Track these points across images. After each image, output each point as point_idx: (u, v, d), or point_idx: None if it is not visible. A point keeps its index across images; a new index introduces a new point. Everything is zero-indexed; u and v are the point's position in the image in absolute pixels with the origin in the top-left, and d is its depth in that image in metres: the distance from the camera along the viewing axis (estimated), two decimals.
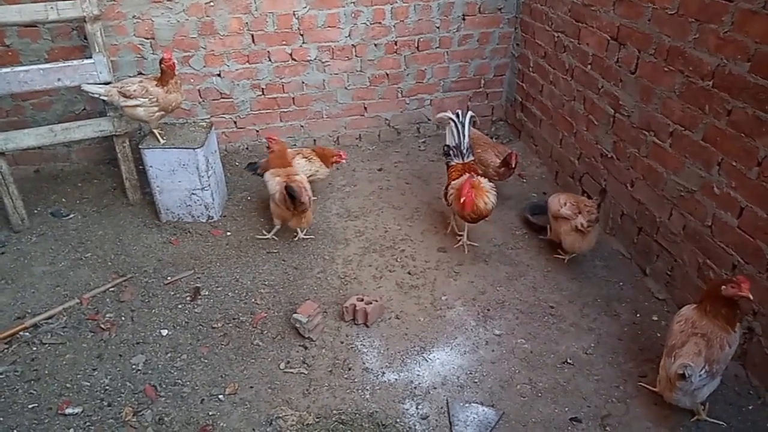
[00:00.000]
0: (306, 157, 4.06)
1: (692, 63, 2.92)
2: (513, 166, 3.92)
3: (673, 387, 2.43)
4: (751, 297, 2.36)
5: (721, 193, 2.84)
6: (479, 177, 3.57)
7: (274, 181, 3.63)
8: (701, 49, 2.85)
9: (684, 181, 3.08)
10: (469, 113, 3.79)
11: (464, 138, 3.74)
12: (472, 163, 3.78)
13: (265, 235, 3.81)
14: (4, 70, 3.59)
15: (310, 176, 3.97)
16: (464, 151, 3.76)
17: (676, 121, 3.09)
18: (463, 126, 3.74)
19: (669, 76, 3.10)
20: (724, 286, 2.41)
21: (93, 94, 3.67)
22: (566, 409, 2.65)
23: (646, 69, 3.29)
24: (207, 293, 3.35)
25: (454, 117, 3.75)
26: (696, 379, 2.36)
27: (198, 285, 3.40)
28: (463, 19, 4.75)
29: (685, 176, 3.08)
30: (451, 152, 3.81)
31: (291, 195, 3.41)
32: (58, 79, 3.72)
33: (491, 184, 3.56)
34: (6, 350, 2.95)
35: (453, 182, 3.66)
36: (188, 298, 3.30)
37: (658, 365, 2.82)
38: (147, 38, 4.28)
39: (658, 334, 3.05)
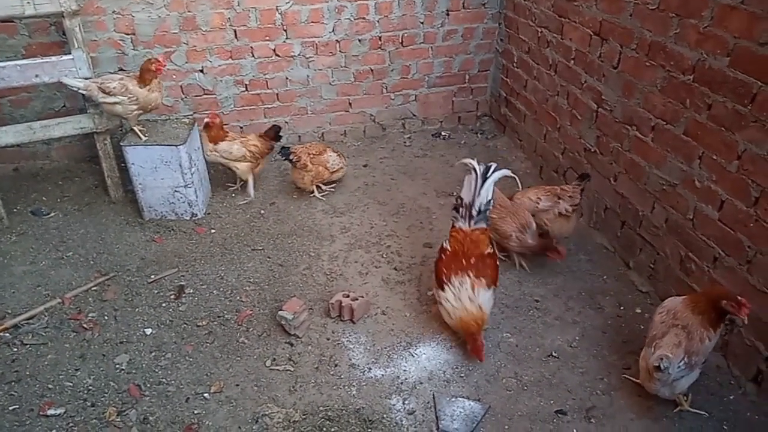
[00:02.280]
0: (336, 152, 4.22)
1: (673, 58, 2.95)
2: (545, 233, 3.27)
3: (652, 377, 2.46)
4: (745, 322, 2.38)
5: (702, 186, 2.88)
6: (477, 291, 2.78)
7: (236, 145, 4.03)
8: (682, 43, 2.88)
9: (666, 175, 3.12)
10: (504, 171, 3.03)
11: (479, 197, 2.94)
12: (481, 232, 2.96)
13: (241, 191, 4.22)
14: None
15: (336, 171, 4.21)
16: (474, 214, 2.95)
17: (658, 116, 3.12)
18: (484, 181, 2.95)
19: (651, 71, 3.13)
20: (725, 301, 2.39)
21: (72, 87, 3.61)
22: (551, 401, 2.68)
23: (628, 64, 3.31)
24: (191, 291, 3.32)
25: (476, 166, 2.99)
26: (673, 370, 2.38)
27: (182, 283, 3.37)
28: (447, 15, 4.75)
29: (667, 170, 3.11)
30: (459, 209, 3.02)
31: (285, 153, 4.01)
32: (36, 76, 3.65)
33: (486, 298, 2.82)
34: None
35: (445, 266, 2.89)
36: (172, 297, 3.27)
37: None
38: (127, 34, 4.22)
39: (642, 327, 3.08)
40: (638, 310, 3.20)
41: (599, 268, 3.52)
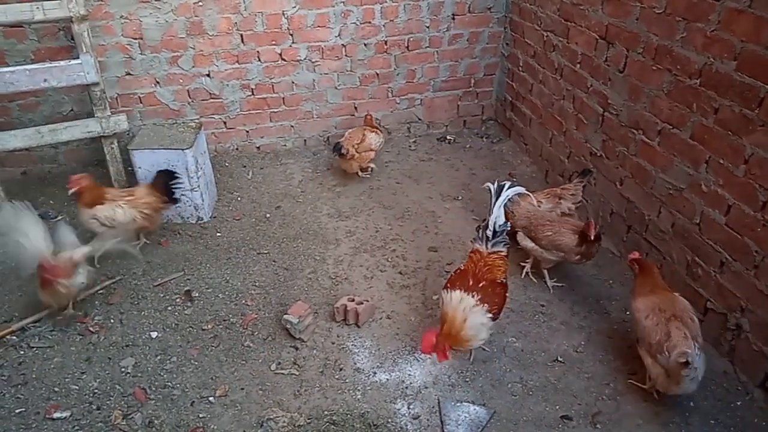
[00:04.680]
0: (374, 131, 4.45)
1: (680, 62, 2.94)
2: (593, 237, 3.07)
3: (680, 378, 2.42)
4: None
5: (708, 190, 2.86)
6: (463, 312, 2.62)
7: (119, 209, 3.41)
8: (688, 47, 2.87)
9: (672, 179, 3.10)
10: (518, 188, 2.98)
11: (492, 215, 2.87)
12: (499, 257, 2.85)
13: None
14: None
15: (380, 146, 4.50)
16: (490, 236, 2.84)
17: (665, 120, 3.11)
18: (497, 197, 2.89)
19: (657, 75, 3.12)
20: (639, 260, 2.78)
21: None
22: (557, 407, 2.66)
23: (634, 68, 3.31)
24: (197, 295, 3.33)
25: (492, 187, 2.95)
26: (698, 361, 2.40)
27: (188, 288, 3.37)
28: (453, 19, 4.76)
29: (673, 174, 3.10)
30: (479, 230, 2.94)
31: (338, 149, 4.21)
32: (45, 80, 3.69)
33: (480, 319, 2.64)
34: None
35: (451, 281, 2.77)
36: (179, 300, 3.28)
37: None
38: (135, 38, 4.25)
39: None
40: None
41: (605, 272, 3.50)
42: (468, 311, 2.62)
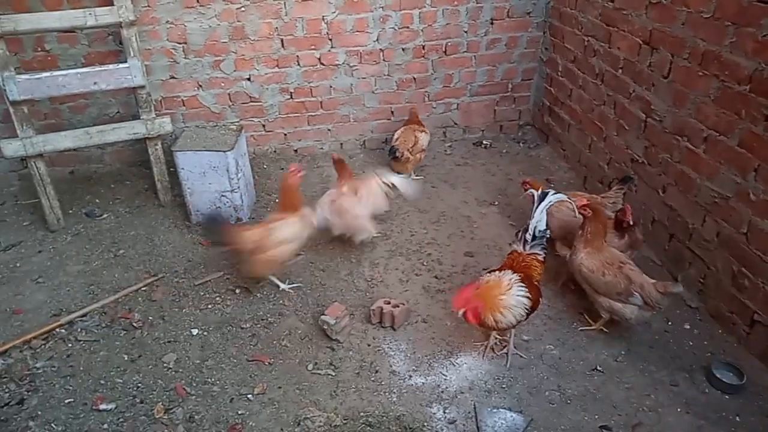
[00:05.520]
0: (423, 131, 4.52)
1: (728, 67, 2.87)
2: (628, 223, 3.07)
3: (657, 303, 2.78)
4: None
5: (757, 199, 2.78)
6: (509, 282, 2.70)
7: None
8: (738, 53, 2.80)
9: (718, 188, 3.03)
10: (560, 195, 2.94)
11: (533, 219, 2.88)
12: (535, 258, 2.88)
13: None
14: (44, 74, 3.70)
15: (428, 145, 4.58)
16: (528, 239, 2.89)
17: (711, 127, 3.04)
18: (540, 202, 2.90)
19: (703, 81, 3.05)
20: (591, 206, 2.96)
21: None
22: (596, 416, 2.62)
23: (679, 73, 3.24)
24: (238, 292, 3.40)
25: (536, 193, 2.96)
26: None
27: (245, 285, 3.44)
28: (492, 24, 4.74)
29: (719, 182, 3.02)
30: (518, 234, 3.00)
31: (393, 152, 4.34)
32: (95, 83, 3.82)
33: (520, 295, 2.68)
34: (43, 346, 3.03)
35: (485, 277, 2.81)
36: (218, 299, 3.34)
37: (690, 374, 2.81)
38: (180, 43, 4.37)
39: (691, 343, 3.00)
40: (687, 326, 3.11)
41: None
42: (513, 282, 2.71)
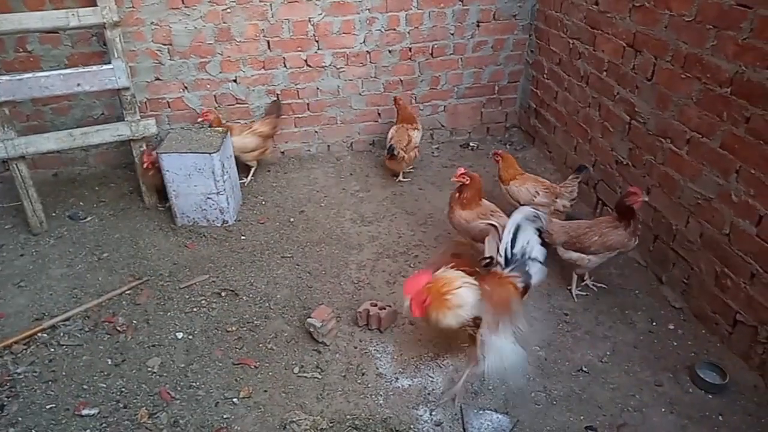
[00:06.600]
0: (415, 128, 4.55)
1: (710, 70, 2.90)
2: (640, 200, 3.04)
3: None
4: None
5: (739, 200, 2.81)
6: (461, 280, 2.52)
7: None
8: (719, 56, 2.84)
9: (701, 189, 3.06)
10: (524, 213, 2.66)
11: (502, 242, 2.63)
12: (512, 283, 2.61)
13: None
14: (26, 75, 3.65)
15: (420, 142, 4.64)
16: (502, 261, 2.63)
17: (693, 128, 3.07)
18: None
19: (686, 83, 3.08)
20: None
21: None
22: (581, 417, 2.63)
23: (662, 76, 3.27)
24: (223, 295, 3.37)
25: (496, 223, 2.90)
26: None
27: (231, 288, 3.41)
28: (478, 26, 4.76)
29: (702, 184, 3.05)
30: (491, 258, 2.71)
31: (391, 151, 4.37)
32: (78, 84, 3.78)
33: (473, 293, 2.49)
34: (24, 351, 2.99)
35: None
36: (204, 302, 3.32)
37: (674, 374, 2.84)
38: (165, 44, 4.34)
39: (675, 343, 3.02)
40: (671, 326, 3.13)
41: (631, 282, 3.46)
42: (468, 284, 2.51)
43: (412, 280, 2.57)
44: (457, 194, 3.40)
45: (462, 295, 2.50)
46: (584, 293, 3.37)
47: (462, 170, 3.39)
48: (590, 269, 3.32)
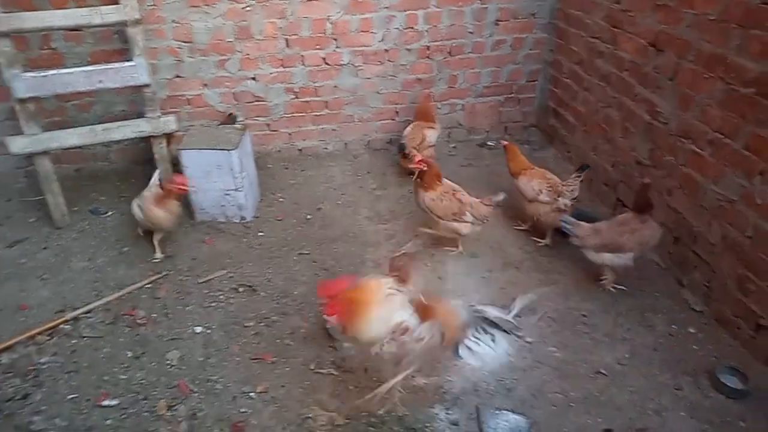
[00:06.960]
0: (431, 128, 4.57)
1: (734, 70, 2.86)
2: (647, 201, 3.18)
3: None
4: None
5: (763, 203, 2.77)
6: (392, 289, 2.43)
7: None
8: (744, 56, 2.79)
9: (724, 191, 3.02)
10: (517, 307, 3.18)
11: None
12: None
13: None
14: (51, 72, 3.71)
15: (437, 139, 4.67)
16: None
17: (716, 129, 3.03)
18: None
19: (709, 83, 3.04)
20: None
21: None
22: (599, 420, 2.61)
23: (685, 76, 3.23)
24: (241, 291, 3.40)
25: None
26: None
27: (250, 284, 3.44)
28: (497, 25, 4.74)
29: (724, 185, 3.01)
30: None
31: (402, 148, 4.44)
32: (100, 81, 3.82)
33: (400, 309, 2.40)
34: (48, 342, 3.04)
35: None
36: (222, 297, 3.35)
37: (694, 378, 2.80)
38: (185, 42, 4.38)
39: (695, 347, 2.99)
40: (692, 330, 3.10)
41: (650, 284, 3.42)
42: (395, 295, 2.38)
43: (330, 284, 2.35)
44: (419, 179, 3.63)
45: (389, 309, 2.35)
46: (615, 288, 3.36)
47: (419, 157, 3.73)
48: (624, 268, 3.25)
